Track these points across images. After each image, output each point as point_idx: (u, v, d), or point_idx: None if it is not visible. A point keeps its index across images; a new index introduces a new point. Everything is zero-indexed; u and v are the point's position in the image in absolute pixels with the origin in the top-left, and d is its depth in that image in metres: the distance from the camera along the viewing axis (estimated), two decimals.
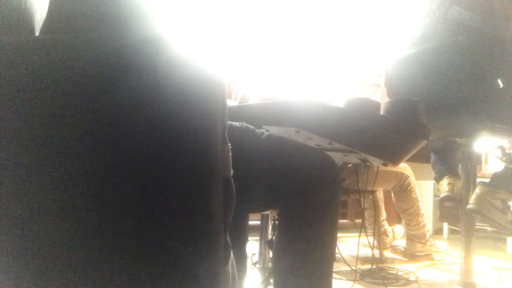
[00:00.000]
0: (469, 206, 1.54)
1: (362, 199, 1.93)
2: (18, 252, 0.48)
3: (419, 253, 2.30)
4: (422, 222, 2.30)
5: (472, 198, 1.55)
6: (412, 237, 2.31)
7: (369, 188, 2.02)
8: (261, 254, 1.71)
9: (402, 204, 2.32)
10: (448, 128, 1.58)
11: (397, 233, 2.53)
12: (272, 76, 2.55)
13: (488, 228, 2.03)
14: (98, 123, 0.49)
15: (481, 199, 1.53)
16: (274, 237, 0.96)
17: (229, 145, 0.58)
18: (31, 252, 0.48)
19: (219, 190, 0.53)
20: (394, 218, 2.98)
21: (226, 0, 2.41)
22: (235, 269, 0.65)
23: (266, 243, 1.63)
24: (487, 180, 1.61)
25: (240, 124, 0.96)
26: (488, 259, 2.35)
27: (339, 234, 1.04)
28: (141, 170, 0.49)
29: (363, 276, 1.88)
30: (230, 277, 0.60)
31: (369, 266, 1.95)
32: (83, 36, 0.52)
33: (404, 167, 2.32)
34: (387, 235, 2.45)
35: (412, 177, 2.33)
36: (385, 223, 2.47)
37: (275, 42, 2.65)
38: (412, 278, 1.90)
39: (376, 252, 2.21)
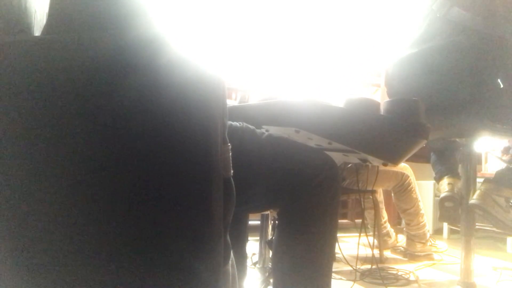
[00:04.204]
0: (472, 201, 1.54)
1: (362, 199, 1.93)
2: (18, 252, 0.48)
3: (419, 253, 2.30)
4: (422, 222, 2.30)
5: (476, 194, 1.55)
6: (412, 237, 2.31)
7: (369, 188, 2.02)
8: (261, 254, 1.71)
9: (402, 204, 2.33)
10: (448, 128, 1.58)
11: (399, 239, 2.53)
12: (272, 76, 2.54)
13: (488, 228, 2.03)
14: (98, 123, 0.49)
15: (485, 195, 1.53)
16: (274, 237, 0.96)
17: (229, 145, 0.58)
18: (31, 252, 0.48)
19: (219, 190, 0.53)
20: (395, 218, 2.98)
21: (226, 0, 2.40)
22: (235, 269, 0.65)
23: (266, 243, 1.63)
24: (490, 178, 1.61)
25: (240, 124, 0.96)
26: (488, 259, 2.35)
27: (339, 234, 1.04)
28: (141, 170, 0.49)
29: (363, 276, 1.88)
30: (230, 277, 0.60)
31: (369, 266, 1.95)
32: (83, 36, 0.52)
33: (404, 167, 2.32)
34: (389, 237, 2.45)
35: (412, 177, 2.33)
36: (387, 225, 2.47)
37: (275, 42, 2.65)
38: (412, 278, 1.90)
39: (376, 252, 2.21)
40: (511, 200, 1.56)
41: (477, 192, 1.55)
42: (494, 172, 1.70)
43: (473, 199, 1.54)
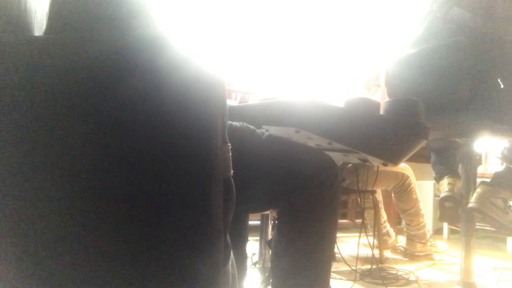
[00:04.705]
0: (471, 205, 1.54)
1: (362, 199, 1.93)
2: (18, 252, 0.48)
3: (419, 253, 2.30)
4: (422, 222, 2.30)
5: (474, 197, 1.55)
6: (412, 237, 2.31)
7: (369, 188, 2.02)
8: (261, 254, 1.71)
9: (403, 204, 2.32)
10: (448, 128, 1.58)
11: (399, 239, 2.53)
12: (272, 76, 2.54)
13: (488, 228, 2.03)
14: (98, 123, 0.49)
15: (483, 198, 1.53)
16: (273, 237, 0.96)
17: (229, 145, 0.58)
18: (32, 252, 0.48)
19: (219, 190, 0.53)
20: (395, 218, 2.98)
21: (226, 0, 2.40)
22: (235, 269, 0.65)
23: (266, 243, 1.63)
24: (487, 180, 1.61)
25: (240, 124, 0.96)
26: (488, 259, 2.35)
27: (339, 234, 1.04)
28: (141, 170, 0.49)
29: (363, 276, 1.88)
30: (230, 277, 0.60)
31: (369, 266, 1.95)
32: (84, 36, 0.52)
33: (404, 167, 2.32)
34: (389, 236, 2.46)
35: (412, 177, 2.33)
36: (387, 225, 2.47)
37: (275, 42, 2.65)
38: (412, 278, 1.90)
39: (376, 252, 2.21)
40: (509, 201, 1.56)
41: (474, 195, 1.55)
42: (494, 172, 1.70)
43: (471, 202, 1.54)
